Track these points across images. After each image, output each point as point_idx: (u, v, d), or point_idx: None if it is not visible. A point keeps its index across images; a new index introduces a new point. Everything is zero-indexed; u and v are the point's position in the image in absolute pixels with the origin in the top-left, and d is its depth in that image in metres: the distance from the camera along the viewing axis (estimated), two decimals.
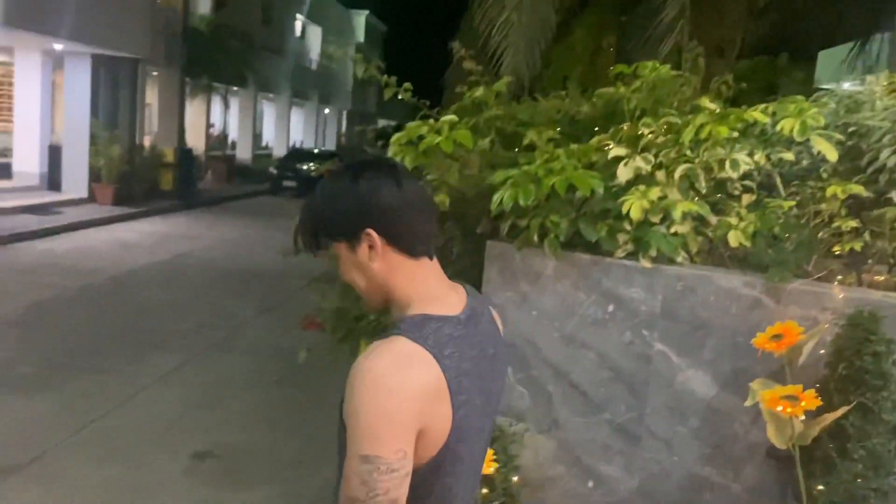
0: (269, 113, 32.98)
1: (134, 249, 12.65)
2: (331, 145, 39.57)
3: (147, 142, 19.48)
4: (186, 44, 20.20)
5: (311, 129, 37.63)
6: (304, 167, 23.83)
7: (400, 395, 1.24)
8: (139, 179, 17.51)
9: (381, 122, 49.74)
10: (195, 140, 22.68)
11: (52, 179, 16.57)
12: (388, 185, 1.37)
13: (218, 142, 27.28)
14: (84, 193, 16.30)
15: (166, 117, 20.73)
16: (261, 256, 12.24)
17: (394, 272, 1.38)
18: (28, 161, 16.47)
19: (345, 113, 44.72)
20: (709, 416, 2.81)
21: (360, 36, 43.39)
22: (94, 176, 16.41)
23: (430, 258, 1.43)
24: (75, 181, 16.37)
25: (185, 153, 20.13)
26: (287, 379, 6.54)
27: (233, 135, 29.18)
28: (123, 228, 14.62)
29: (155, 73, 20.24)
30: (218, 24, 23.38)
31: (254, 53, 25.26)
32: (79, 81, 16.30)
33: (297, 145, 33.31)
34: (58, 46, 15.01)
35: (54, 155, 16.62)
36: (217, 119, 27.74)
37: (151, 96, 20.67)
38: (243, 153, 28.13)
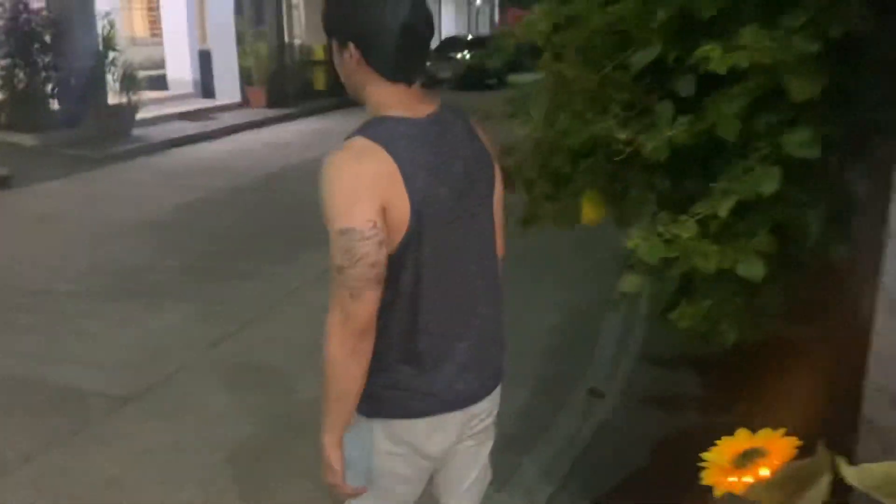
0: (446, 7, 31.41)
1: (286, 149, 11.87)
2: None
3: (298, 39, 18.68)
4: None
5: (464, 19, 35.65)
6: (459, 56, 22.23)
7: (359, 175, 1.41)
8: (291, 79, 16.77)
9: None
10: None
11: (206, 86, 16.17)
12: (380, 8, 1.43)
13: None
14: (237, 98, 15.78)
15: (313, 14, 19.75)
16: None
17: (367, 84, 1.50)
18: (181, 69, 16.11)
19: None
20: None
21: None
22: (246, 79, 15.82)
23: (410, 85, 1.50)
24: (227, 86, 15.86)
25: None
26: None
27: None
28: (277, 130, 13.94)
29: None
30: None
31: None
32: None
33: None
34: None
35: (205, 61, 16.16)
36: None
37: None
38: None
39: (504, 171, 1.73)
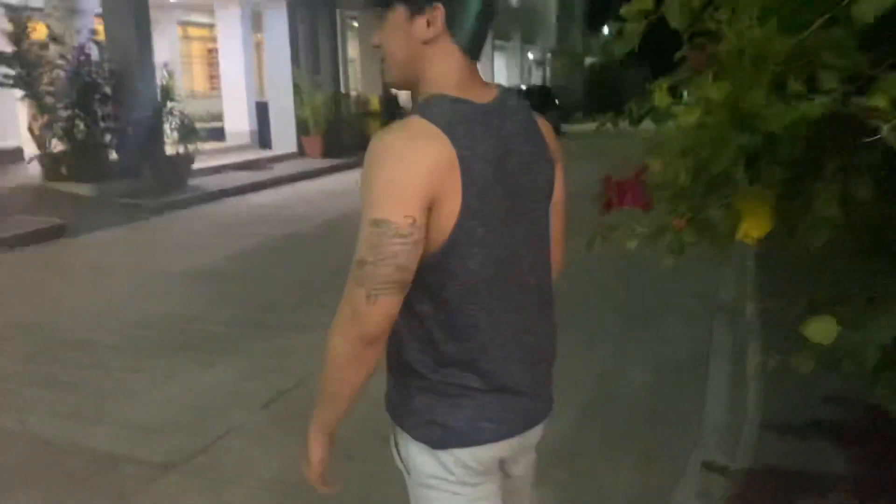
0: (499, 61, 31.46)
1: (344, 197, 11.58)
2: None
3: (354, 90, 18.68)
4: None
5: (515, 74, 35.61)
6: None
7: (408, 162, 1.22)
8: (346, 130, 16.66)
9: (589, 61, 46.65)
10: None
11: (262, 136, 16.18)
12: None
13: None
14: (293, 148, 15.73)
15: (368, 66, 19.80)
16: None
17: (436, 57, 1.32)
18: (238, 120, 16.16)
19: (549, 54, 42.14)
20: None
21: None
22: (303, 130, 15.77)
23: (476, 59, 1.36)
24: (283, 136, 15.86)
25: (390, 101, 19.11)
26: None
27: None
28: (334, 179, 13.72)
29: (354, 22, 19.30)
30: None
31: None
32: (278, 33, 15.64)
33: None
34: None
35: (262, 112, 16.19)
36: None
37: (352, 46, 19.82)
38: None
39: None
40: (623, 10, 1.70)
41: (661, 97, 1.66)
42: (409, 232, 1.21)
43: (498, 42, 31.86)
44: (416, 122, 1.26)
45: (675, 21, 1.65)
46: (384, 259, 1.21)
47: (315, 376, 4.25)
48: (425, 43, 1.31)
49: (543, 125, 1.44)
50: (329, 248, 7.95)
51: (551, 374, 1.51)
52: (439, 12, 1.28)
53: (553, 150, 1.43)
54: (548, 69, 42.77)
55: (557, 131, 19.65)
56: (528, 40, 35.98)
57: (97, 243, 8.28)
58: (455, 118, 1.27)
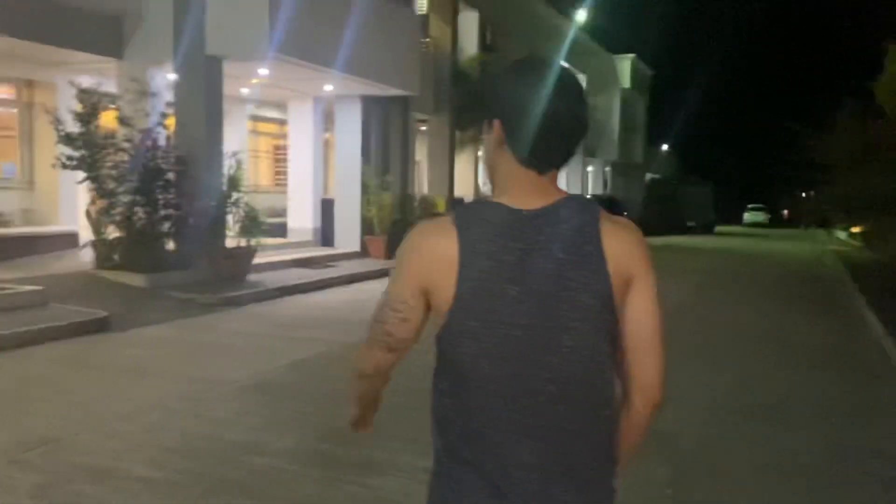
0: None
1: None
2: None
3: (417, 192, 18.09)
4: (456, 88, 18.66)
5: (576, 186, 35.05)
6: None
7: (412, 249, 1.43)
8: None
9: (649, 176, 46.09)
10: (463, 191, 20.98)
11: (325, 234, 15.50)
12: (528, 91, 1.41)
13: (485, 194, 25.55)
14: (356, 247, 14.96)
15: (436, 165, 19.26)
16: None
17: (500, 165, 1.47)
18: (301, 217, 15.56)
19: (609, 166, 41.74)
20: None
21: (626, 81, 40.35)
22: (367, 228, 15.06)
23: (541, 172, 1.44)
24: (347, 234, 15.14)
25: (456, 203, 18.46)
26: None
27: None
28: None
29: (423, 123, 18.93)
30: (485, 69, 21.80)
31: None
32: (350, 130, 15.19)
33: None
34: (328, 88, 13.88)
35: (327, 209, 15.59)
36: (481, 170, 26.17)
37: (420, 145, 19.40)
38: None
39: None
40: None
41: None
42: (400, 307, 1.44)
43: None
44: (441, 220, 1.43)
45: None
46: (380, 321, 1.48)
47: None
48: (495, 152, 1.46)
49: (613, 236, 1.42)
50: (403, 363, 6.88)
51: (584, 491, 1.40)
52: (498, 127, 1.43)
53: (617, 261, 1.40)
54: (609, 182, 42.27)
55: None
56: (590, 154, 35.59)
57: (142, 341, 7.36)
58: (475, 219, 1.40)
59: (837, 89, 51.65)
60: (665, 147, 52.00)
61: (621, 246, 1.41)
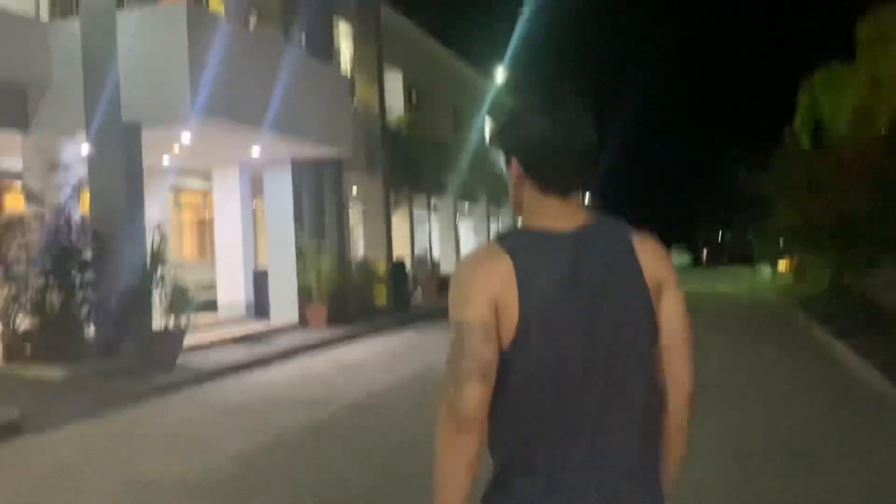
0: (466, 223, 30.51)
1: (361, 372, 9.86)
2: None
3: (354, 256, 17.37)
4: (386, 149, 18.21)
5: (483, 232, 34.42)
6: None
7: (472, 275, 1.49)
8: (352, 297, 15.14)
9: None
10: (401, 251, 20.34)
11: (259, 306, 14.56)
12: (540, 124, 1.51)
13: (422, 254, 24.92)
14: (294, 318, 14.07)
15: (372, 228, 18.64)
16: None
17: (524, 195, 1.57)
18: (232, 290, 14.64)
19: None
20: None
21: None
22: (306, 297, 14.21)
23: (565, 198, 1.53)
24: (284, 305, 14.20)
25: (396, 266, 17.81)
26: None
27: (434, 246, 26.72)
28: (341, 351, 11.97)
29: (356, 183, 18.34)
30: (413, 128, 21.48)
31: (451, 158, 22.96)
32: (280, 196, 14.41)
33: None
34: (256, 152, 13.13)
35: (259, 280, 14.70)
36: (417, 229, 25.56)
37: (354, 209, 18.77)
38: (447, 265, 25.54)
39: None
40: None
41: None
42: (481, 327, 1.44)
43: (495, 207, 31.03)
44: (487, 246, 1.52)
45: None
46: (466, 354, 1.43)
47: None
48: (519, 187, 1.57)
49: (645, 249, 1.54)
50: (365, 441, 6.12)
51: (640, 490, 1.48)
52: (515, 163, 1.55)
53: (650, 270, 1.52)
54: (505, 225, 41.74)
55: None
56: (496, 202, 34.31)
57: (63, 442, 6.37)
58: (520, 243, 1.49)
59: (758, 127, 53.63)
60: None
61: (652, 256, 1.54)
